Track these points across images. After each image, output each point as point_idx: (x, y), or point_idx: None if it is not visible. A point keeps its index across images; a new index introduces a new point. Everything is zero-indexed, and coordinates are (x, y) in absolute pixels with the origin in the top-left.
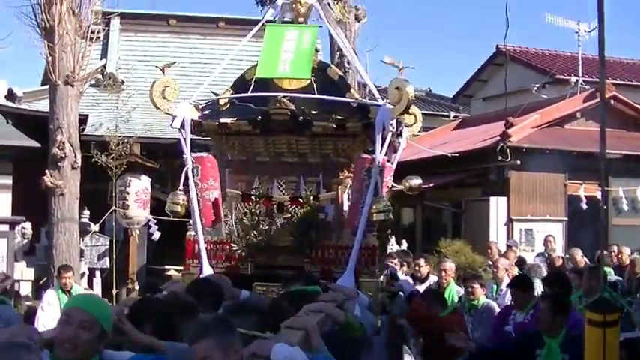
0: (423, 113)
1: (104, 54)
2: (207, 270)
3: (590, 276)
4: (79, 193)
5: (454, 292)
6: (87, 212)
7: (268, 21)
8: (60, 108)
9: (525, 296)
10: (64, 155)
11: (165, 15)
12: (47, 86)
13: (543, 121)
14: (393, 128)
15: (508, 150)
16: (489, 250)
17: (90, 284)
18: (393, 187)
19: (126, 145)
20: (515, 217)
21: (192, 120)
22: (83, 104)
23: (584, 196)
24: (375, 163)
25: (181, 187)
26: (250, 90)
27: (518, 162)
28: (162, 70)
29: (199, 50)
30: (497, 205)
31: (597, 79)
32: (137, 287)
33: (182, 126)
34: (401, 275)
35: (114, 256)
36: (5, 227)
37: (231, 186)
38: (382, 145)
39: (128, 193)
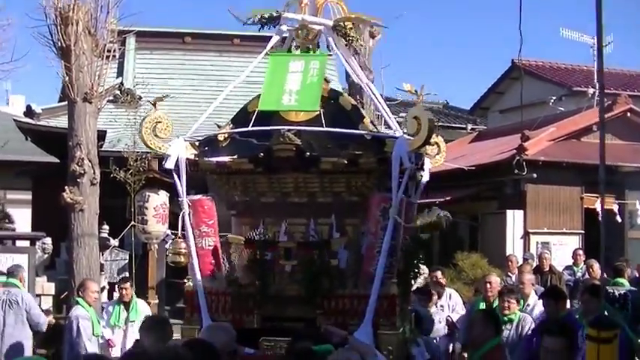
0: (439, 126)
1: (120, 72)
2: (208, 324)
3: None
4: (99, 208)
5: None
6: (106, 227)
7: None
8: (78, 124)
9: (557, 306)
10: (83, 171)
11: (181, 32)
12: (65, 102)
13: (560, 134)
14: (412, 162)
15: (524, 163)
16: (509, 264)
17: (110, 298)
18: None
19: (144, 161)
20: (532, 230)
21: (187, 159)
22: (101, 120)
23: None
24: (393, 202)
25: (180, 235)
26: (252, 124)
27: (535, 175)
28: (154, 104)
29: (215, 67)
30: (514, 218)
31: (614, 92)
32: (157, 301)
33: (177, 166)
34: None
35: (133, 271)
36: (26, 243)
37: (236, 230)
38: (400, 182)
39: (147, 208)
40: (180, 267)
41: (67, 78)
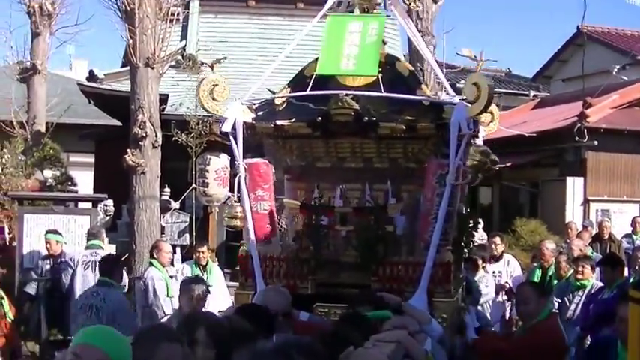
0: (502, 92)
1: (184, 36)
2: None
3: None
4: (160, 171)
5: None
6: (167, 190)
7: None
8: (140, 88)
9: (614, 274)
10: (145, 134)
11: None
12: (127, 68)
13: (622, 102)
14: (471, 129)
15: (585, 130)
16: (569, 231)
17: (170, 261)
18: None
19: (205, 124)
20: (592, 197)
21: (244, 122)
22: (163, 84)
23: None
24: (450, 169)
25: (235, 199)
26: (310, 88)
27: (596, 142)
28: (212, 66)
29: (278, 32)
30: (574, 186)
31: None
32: (217, 263)
33: (233, 129)
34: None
35: (194, 233)
36: (88, 205)
37: (290, 195)
38: (458, 148)
39: (208, 172)
40: (239, 230)
41: (130, 41)
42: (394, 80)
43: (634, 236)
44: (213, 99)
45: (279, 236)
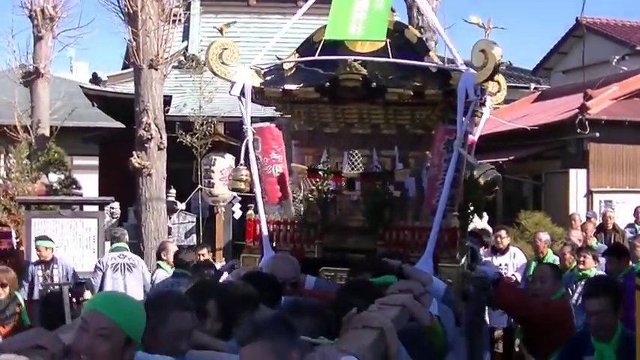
0: None
1: (185, 37)
2: (270, 253)
3: None
4: (166, 172)
5: (552, 261)
6: (173, 191)
7: None
8: (145, 91)
9: (620, 264)
10: (150, 136)
11: None
12: (130, 69)
13: (623, 93)
14: (478, 95)
15: (587, 122)
16: (572, 222)
17: None
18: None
19: (210, 125)
20: (595, 188)
21: (252, 87)
22: (167, 85)
23: None
24: (457, 135)
25: (242, 162)
26: (318, 53)
27: (597, 134)
28: (221, 30)
29: (279, 29)
30: (577, 177)
31: None
32: (224, 263)
33: (242, 93)
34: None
35: (201, 234)
36: (95, 208)
37: (297, 159)
38: (465, 115)
39: (213, 172)
40: (245, 194)
41: (134, 44)
42: (402, 47)
43: (637, 226)
44: (223, 63)
45: (290, 200)
